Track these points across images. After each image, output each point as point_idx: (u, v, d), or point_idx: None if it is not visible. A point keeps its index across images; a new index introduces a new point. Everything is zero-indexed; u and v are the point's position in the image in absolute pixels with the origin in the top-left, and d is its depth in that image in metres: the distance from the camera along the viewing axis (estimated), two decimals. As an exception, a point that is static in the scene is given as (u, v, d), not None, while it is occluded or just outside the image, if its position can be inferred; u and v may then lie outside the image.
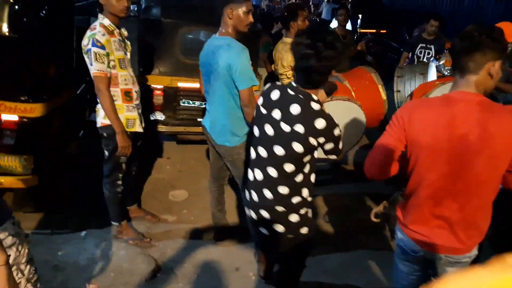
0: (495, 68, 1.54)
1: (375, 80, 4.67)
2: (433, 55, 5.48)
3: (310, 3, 21.58)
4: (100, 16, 2.80)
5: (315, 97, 1.90)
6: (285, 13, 3.71)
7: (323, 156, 2.09)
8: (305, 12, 3.67)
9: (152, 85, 4.11)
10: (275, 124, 1.93)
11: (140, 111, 3.11)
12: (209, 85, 2.71)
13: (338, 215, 3.95)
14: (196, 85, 3.69)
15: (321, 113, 1.85)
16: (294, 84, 1.94)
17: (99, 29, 2.71)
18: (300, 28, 3.64)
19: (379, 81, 4.67)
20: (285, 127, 1.88)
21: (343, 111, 3.92)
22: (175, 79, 4.12)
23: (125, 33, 3.00)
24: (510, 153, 1.53)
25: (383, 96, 4.66)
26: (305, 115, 1.85)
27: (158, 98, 4.12)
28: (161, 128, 4.27)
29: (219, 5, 2.68)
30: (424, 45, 5.54)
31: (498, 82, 1.65)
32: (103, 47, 2.68)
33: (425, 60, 5.53)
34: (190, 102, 4.23)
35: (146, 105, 4.07)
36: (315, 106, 1.86)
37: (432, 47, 5.49)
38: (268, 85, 2.08)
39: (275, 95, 1.96)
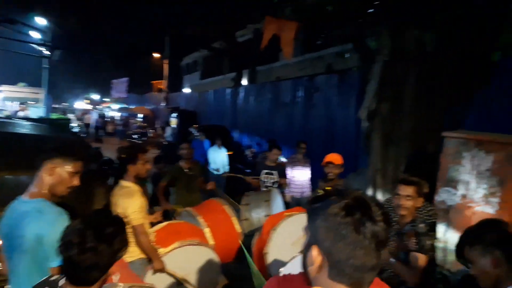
0: None
1: (228, 212, 4.50)
2: (277, 180, 5.75)
3: (157, 125, 22.04)
4: None
5: None
6: (123, 155, 3.31)
7: None
8: (146, 155, 3.34)
9: None
10: None
11: None
12: (12, 263, 1.99)
13: None
14: None
15: None
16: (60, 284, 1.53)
17: None
18: (140, 173, 3.26)
19: (232, 213, 4.51)
20: None
21: (194, 256, 3.55)
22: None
23: None
24: None
25: (238, 228, 4.48)
26: None
27: None
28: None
29: (35, 152, 2.12)
30: (268, 170, 5.80)
31: None
32: None
33: (269, 184, 5.74)
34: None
35: None
36: None
37: (276, 172, 5.78)
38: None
39: None
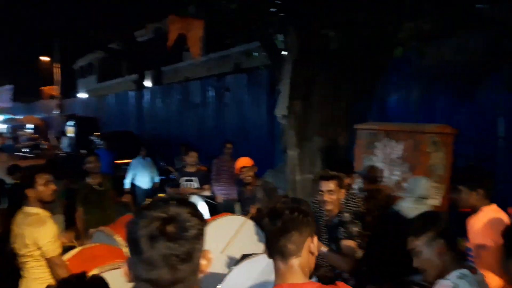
0: (314, 245, 1.41)
1: (149, 226, 4.18)
2: (198, 187, 5.49)
3: (50, 136, 20.28)
4: None
5: None
6: (17, 180, 2.84)
7: None
8: (46, 175, 2.89)
9: None
10: None
11: None
12: None
13: None
14: None
15: None
16: None
17: None
18: (43, 196, 2.83)
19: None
20: None
21: (117, 281, 3.19)
22: None
23: None
24: None
25: (162, 242, 4.18)
26: None
27: None
28: None
29: None
30: (187, 178, 5.52)
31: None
32: None
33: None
34: None
35: None
36: None
37: (196, 179, 5.52)
38: None
39: None
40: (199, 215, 0.97)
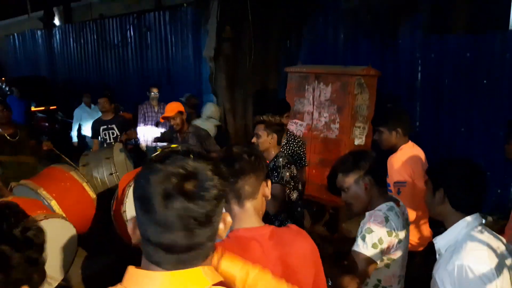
0: (269, 188, 1.43)
1: (77, 178, 3.97)
2: (118, 134, 5.19)
3: None
4: None
5: None
6: None
7: None
8: None
9: None
10: None
11: None
12: None
13: None
14: None
15: None
16: None
17: None
18: None
19: (82, 179, 4.00)
20: None
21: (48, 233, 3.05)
22: None
23: None
24: (311, 279, 1.40)
25: (92, 194, 4.02)
26: None
27: None
28: None
29: None
30: (105, 126, 5.19)
31: None
32: None
33: (111, 141, 5.17)
34: None
35: None
36: None
37: (114, 125, 5.22)
38: None
39: None
40: (221, 173, 0.86)
